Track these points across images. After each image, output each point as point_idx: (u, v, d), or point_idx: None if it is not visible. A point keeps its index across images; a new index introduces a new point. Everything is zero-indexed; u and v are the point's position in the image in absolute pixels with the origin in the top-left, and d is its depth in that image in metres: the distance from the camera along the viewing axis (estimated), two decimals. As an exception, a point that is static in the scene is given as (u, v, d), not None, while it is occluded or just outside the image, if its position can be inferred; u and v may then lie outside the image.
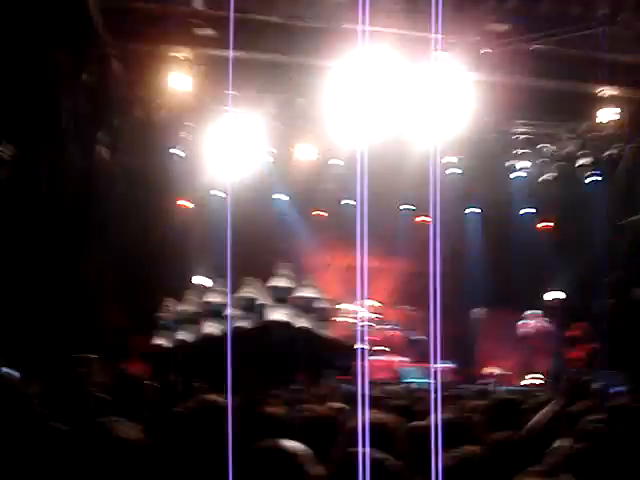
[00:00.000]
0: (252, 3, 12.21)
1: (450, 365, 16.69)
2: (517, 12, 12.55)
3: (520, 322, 17.40)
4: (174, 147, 16.31)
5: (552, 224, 19.61)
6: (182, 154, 16.48)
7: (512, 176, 18.69)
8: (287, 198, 18.72)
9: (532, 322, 17.21)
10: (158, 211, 15.59)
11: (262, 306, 6.27)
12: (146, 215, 15.30)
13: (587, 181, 17.72)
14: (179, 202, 16.97)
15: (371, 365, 16.79)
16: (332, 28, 12.50)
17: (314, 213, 18.79)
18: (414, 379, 13.85)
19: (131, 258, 14.31)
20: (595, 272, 16.40)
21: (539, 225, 19.43)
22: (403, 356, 17.52)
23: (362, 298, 13.07)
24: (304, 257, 17.09)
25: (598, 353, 15.85)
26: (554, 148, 18.11)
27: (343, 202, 18.81)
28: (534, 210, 19.08)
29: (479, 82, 14.07)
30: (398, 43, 12.58)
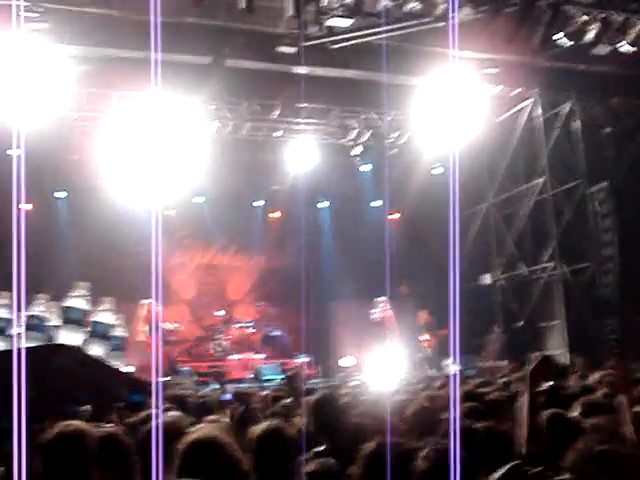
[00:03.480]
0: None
1: (306, 359, 16.83)
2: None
3: (372, 311, 17.64)
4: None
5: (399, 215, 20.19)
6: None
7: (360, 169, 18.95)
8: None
9: (381, 310, 17.47)
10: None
11: (53, 327, 5.73)
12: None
13: (435, 172, 18.26)
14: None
15: (229, 364, 16.71)
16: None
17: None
18: (271, 376, 13.82)
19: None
20: (444, 260, 16.92)
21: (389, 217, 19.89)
22: (260, 353, 17.51)
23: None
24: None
25: (447, 338, 16.40)
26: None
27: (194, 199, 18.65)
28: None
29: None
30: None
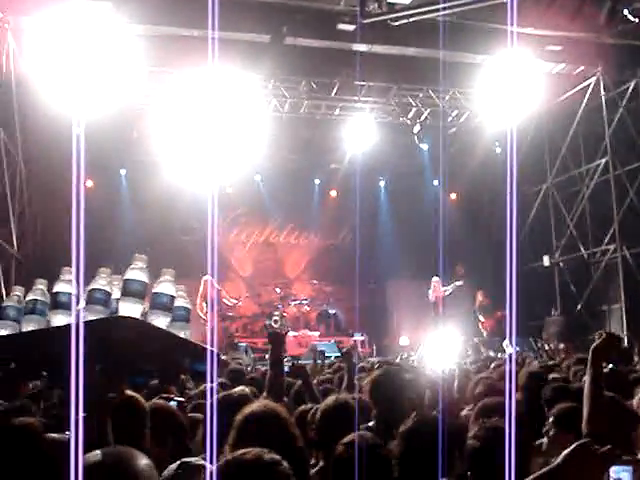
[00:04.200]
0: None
1: (362, 337, 16.89)
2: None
3: (429, 290, 17.53)
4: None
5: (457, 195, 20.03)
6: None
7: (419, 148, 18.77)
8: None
9: (434, 290, 17.34)
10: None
11: (115, 300, 5.87)
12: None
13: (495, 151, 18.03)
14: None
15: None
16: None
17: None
18: (326, 353, 13.88)
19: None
20: (502, 241, 16.71)
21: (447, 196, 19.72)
22: (316, 330, 17.63)
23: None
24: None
25: (505, 320, 16.26)
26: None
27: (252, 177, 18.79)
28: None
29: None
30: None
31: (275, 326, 15.12)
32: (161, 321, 4.84)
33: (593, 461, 2.27)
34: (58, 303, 4.85)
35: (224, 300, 16.25)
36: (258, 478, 2.04)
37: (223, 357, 10.66)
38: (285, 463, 2.11)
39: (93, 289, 4.42)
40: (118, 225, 17.02)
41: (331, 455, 3.27)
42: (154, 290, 4.97)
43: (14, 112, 13.35)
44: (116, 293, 4.87)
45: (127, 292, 4.69)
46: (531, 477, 2.28)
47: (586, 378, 3.43)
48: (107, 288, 4.82)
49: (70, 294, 4.66)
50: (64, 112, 11.27)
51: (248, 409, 3.15)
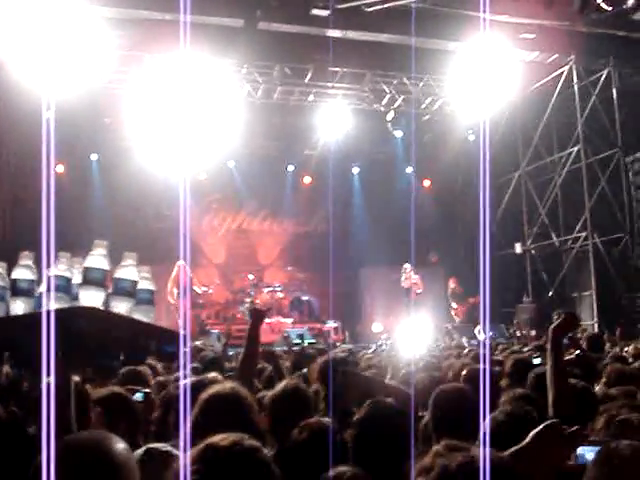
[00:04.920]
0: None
1: (333, 324, 16.92)
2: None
3: (401, 277, 17.55)
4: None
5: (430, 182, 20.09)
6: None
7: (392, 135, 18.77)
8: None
9: (406, 277, 17.36)
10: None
11: (76, 286, 5.66)
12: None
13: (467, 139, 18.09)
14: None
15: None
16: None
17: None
18: (298, 340, 13.86)
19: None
20: (475, 228, 16.79)
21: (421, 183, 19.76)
22: (289, 317, 17.61)
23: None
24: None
25: (476, 307, 16.38)
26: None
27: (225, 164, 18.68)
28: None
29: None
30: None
31: (247, 313, 15.08)
32: (124, 306, 4.77)
33: (560, 441, 2.32)
34: (17, 290, 4.78)
35: (194, 287, 16.16)
36: (236, 466, 1.99)
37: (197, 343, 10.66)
38: (264, 450, 2.08)
39: (55, 276, 4.35)
40: (88, 211, 16.82)
41: (283, 441, 3.26)
42: (116, 275, 4.90)
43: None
44: (77, 278, 4.79)
45: (88, 281, 4.62)
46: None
47: (547, 360, 3.45)
48: (67, 274, 4.74)
49: (30, 280, 4.60)
50: (35, 95, 11.12)
51: (213, 389, 3.12)
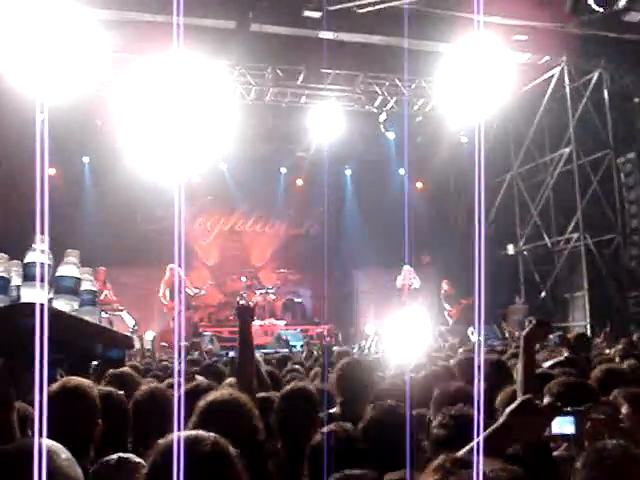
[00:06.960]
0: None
1: (326, 326, 16.90)
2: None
3: (396, 279, 17.55)
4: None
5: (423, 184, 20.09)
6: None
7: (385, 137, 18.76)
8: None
9: (403, 278, 17.36)
10: None
11: (16, 286, 5.56)
12: None
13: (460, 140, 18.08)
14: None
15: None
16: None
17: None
18: (291, 342, 13.87)
19: None
20: (467, 229, 16.83)
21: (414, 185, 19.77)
22: (281, 319, 17.60)
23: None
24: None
25: (469, 308, 16.39)
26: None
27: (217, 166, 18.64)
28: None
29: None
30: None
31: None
32: (68, 306, 4.68)
33: (537, 415, 2.38)
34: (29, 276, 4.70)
35: (186, 290, 16.12)
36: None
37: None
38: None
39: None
40: (80, 214, 16.75)
41: (292, 443, 3.24)
42: (57, 273, 4.76)
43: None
44: (17, 279, 4.69)
45: (28, 277, 4.52)
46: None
47: (518, 365, 3.45)
48: (4, 274, 4.66)
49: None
50: (27, 98, 11.07)
51: (212, 396, 3.07)
